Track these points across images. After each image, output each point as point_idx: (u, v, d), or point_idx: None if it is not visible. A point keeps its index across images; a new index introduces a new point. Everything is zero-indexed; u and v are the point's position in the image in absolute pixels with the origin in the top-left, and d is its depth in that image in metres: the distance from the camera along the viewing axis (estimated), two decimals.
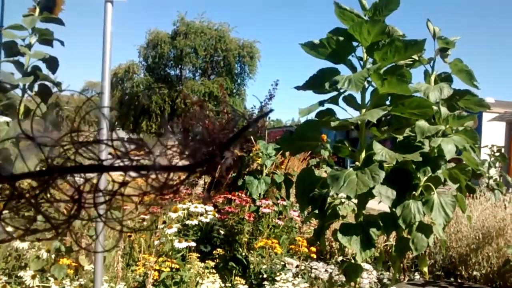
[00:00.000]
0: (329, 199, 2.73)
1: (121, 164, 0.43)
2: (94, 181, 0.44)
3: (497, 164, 6.80)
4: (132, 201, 0.46)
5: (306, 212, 3.88)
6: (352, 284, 2.82)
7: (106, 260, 2.93)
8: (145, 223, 3.83)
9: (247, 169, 4.84)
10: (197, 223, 3.61)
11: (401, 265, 3.70)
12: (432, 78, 2.94)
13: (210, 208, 3.87)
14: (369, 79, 2.62)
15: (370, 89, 2.72)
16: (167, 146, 0.43)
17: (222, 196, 4.32)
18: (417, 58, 2.86)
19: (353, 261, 2.78)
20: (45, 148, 0.43)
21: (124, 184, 0.45)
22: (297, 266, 3.69)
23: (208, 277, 2.97)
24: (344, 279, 3.13)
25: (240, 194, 4.16)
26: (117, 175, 0.46)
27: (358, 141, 2.78)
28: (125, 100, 25.93)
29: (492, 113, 14.49)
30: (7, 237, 0.44)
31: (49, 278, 2.67)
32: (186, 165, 0.43)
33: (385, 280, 3.59)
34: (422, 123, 2.65)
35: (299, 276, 3.48)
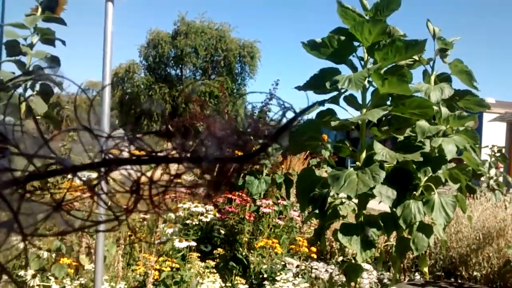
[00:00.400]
0: (329, 199, 2.73)
1: (176, 155, 0.44)
2: (148, 173, 0.45)
3: (498, 164, 6.80)
4: (186, 191, 0.47)
5: (306, 212, 3.88)
6: (353, 284, 2.82)
7: (106, 260, 2.93)
8: (145, 222, 3.83)
9: (247, 169, 4.84)
10: (197, 223, 3.61)
11: (402, 265, 3.70)
12: (432, 78, 2.94)
13: (210, 207, 3.87)
14: (370, 79, 2.62)
15: (371, 89, 2.72)
16: (219, 137, 0.44)
17: (223, 195, 4.32)
18: (417, 59, 2.87)
19: (353, 261, 2.78)
20: (101, 139, 0.44)
21: (178, 175, 0.45)
22: (297, 266, 3.69)
23: (208, 277, 2.97)
24: (344, 279, 3.13)
25: (240, 193, 4.17)
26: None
27: (358, 141, 2.78)
28: (126, 99, 25.93)
29: (493, 114, 14.48)
30: (67, 228, 0.45)
31: (50, 277, 2.67)
32: (239, 155, 0.43)
33: (385, 280, 3.60)
34: (422, 123, 2.65)
35: (300, 276, 3.49)
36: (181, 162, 0.44)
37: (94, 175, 0.44)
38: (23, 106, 2.63)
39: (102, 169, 0.44)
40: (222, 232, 3.89)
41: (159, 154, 0.44)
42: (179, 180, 0.45)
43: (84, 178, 0.44)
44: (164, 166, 0.45)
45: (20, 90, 2.68)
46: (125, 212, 0.45)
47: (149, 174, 0.45)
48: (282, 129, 0.44)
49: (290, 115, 0.44)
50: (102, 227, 0.52)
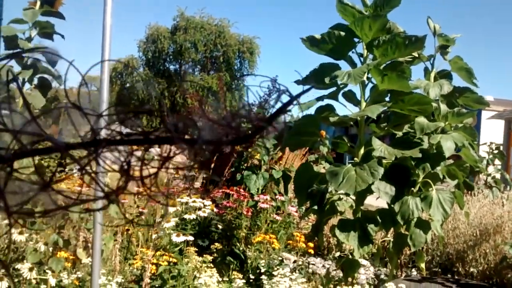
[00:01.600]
0: (327, 195, 2.73)
1: (168, 136, 0.43)
2: (138, 153, 0.44)
3: (495, 161, 6.82)
4: (178, 173, 0.46)
5: (304, 208, 3.88)
6: (349, 279, 2.83)
7: (104, 254, 2.93)
8: (143, 216, 3.83)
9: (246, 164, 4.84)
10: (195, 217, 3.61)
11: (398, 261, 3.71)
12: (432, 75, 2.94)
13: (208, 202, 3.87)
14: (369, 75, 2.61)
15: (370, 85, 2.72)
16: (213, 120, 0.43)
17: (221, 190, 4.32)
18: (417, 55, 2.86)
19: (350, 256, 2.78)
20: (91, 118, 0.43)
21: (170, 157, 0.44)
22: (294, 261, 3.70)
23: (205, 271, 2.97)
24: (341, 274, 3.13)
25: (238, 189, 4.16)
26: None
27: (357, 138, 2.78)
28: (125, 94, 25.83)
29: (491, 111, 14.52)
30: (55, 207, 0.44)
31: (47, 271, 2.67)
32: (233, 138, 0.43)
33: (382, 276, 3.60)
34: (421, 120, 2.65)
35: (297, 271, 3.49)
36: (173, 143, 0.43)
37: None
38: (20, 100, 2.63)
39: (93, 149, 0.43)
40: (220, 227, 3.89)
41: (151, 135, 0.43)
42: (173, 163, 0.45)
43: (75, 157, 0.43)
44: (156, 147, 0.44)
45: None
46: (114, 191, 0.44)
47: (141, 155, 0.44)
48: (277, 112, 0.43)
49: (285, 99, 0.44)
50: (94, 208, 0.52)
